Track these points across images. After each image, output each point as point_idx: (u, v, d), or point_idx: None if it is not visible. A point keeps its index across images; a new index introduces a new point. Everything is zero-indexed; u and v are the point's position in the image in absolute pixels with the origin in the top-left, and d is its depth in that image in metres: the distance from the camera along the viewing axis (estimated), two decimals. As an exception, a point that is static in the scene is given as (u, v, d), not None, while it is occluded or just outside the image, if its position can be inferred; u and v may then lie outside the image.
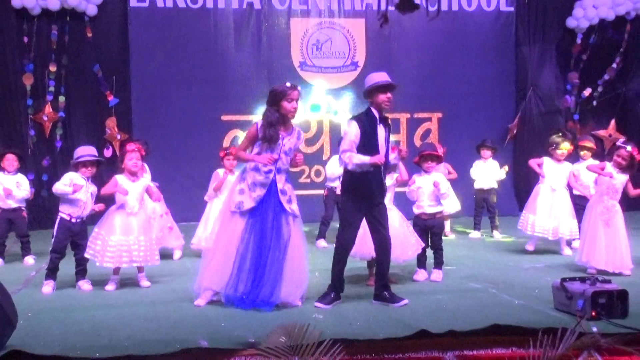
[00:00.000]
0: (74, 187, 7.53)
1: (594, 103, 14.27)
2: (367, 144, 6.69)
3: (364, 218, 6.94)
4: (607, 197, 8.13)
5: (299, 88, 7.04)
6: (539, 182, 9.59)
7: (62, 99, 12.47)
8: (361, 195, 6.82)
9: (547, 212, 9.33)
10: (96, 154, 7.94)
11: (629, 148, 8.21)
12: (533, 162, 9.79)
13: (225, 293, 6.78)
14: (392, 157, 7.15)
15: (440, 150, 9.94)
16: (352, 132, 6.75)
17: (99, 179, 8.13)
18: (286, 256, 6.78)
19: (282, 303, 6.68)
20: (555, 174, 9.47)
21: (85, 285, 7.68)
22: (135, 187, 7.73)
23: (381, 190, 6.91)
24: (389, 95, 6.77)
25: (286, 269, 6.74)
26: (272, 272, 6.71)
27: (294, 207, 6.95)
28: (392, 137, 12.39)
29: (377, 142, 6.74)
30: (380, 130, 6.80)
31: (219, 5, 12.83)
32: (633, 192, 8.18)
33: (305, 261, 7.05)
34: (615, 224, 8.08)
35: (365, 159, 6.60)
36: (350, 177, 6.85)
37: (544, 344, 5.05)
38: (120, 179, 7.68)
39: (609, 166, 8.21)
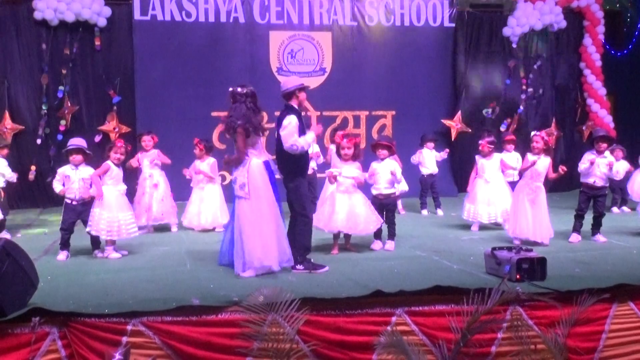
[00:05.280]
0: (62, 190, 7.59)
1: (537, 101, 14.41)
2: (302, 132, 6.79)
3: None
4: (532, 181, 8.18)
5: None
6: (477, 176, 9.44)
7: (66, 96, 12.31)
8: None
9: (485, 201, 9.20)
10: (83, 145, 7.77)
11: (537, 133, 8.37)
12: (472, 176, 9.55)
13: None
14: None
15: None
16: (294, 125, 6.75)
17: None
18: (233, 234, 6.69)
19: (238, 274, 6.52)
20: (487, 168, 9.36)
21: (99, 253, 7.63)
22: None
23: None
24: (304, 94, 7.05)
25: (235, 245, 6.64)
26: (231, 246, 6.72)
27: (240, 191, 6.56)
28: (355, 131, 12.68)
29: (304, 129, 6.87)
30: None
31: (209, 19, 12.67)
32: (552, 175, 8.23)
33: (245, 238, 6.48)
34: (539, 202, 8.12)
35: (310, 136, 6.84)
36: None
37: (476, 301, 5.12)
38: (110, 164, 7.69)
39: (529, 156, 8.28)
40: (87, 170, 7.67)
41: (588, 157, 8.36)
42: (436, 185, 11.28)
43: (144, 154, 9.49)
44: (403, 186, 10.19)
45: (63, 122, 12.24)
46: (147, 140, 9.51)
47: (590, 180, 8.32)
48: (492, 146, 9.44)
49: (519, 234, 8.07)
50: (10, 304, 4.93)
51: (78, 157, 7.66)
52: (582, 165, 8.37)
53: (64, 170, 7.69)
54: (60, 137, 12.09)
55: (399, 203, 10.94)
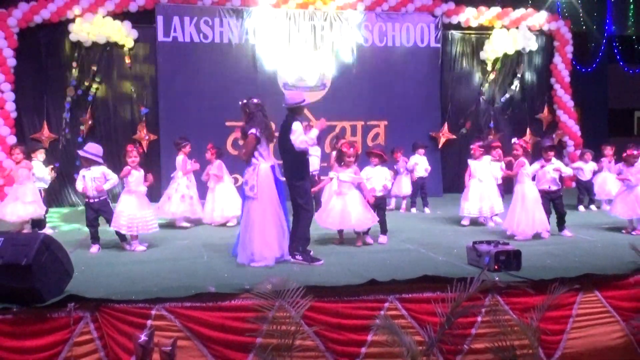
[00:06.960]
0: (83, 188, 7.56)
1: (506, 115, 14.40)
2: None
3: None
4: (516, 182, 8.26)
5: None
6: (471, 177, 9.40)
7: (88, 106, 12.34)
8: None
9: (477, 198, 9.18)
10: (90, 150, 7.67)
11: (517, 141, 8.47)
12: (466, 178, 9.54)
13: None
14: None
15: (400, 154, 10.73)
16: (301, 128, 6.83)
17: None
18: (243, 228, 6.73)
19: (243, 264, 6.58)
20: (478, 170, 9.34)
21: (127, 246, 7.63)
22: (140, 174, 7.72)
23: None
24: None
25: (243, 239, 6.67)
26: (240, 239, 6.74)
27: (250, 192, 6.62)
28: (352, 139, 12.68)
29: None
30: None
31: (224, 40, 12.69)
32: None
33: (252, 234, 6.56)
34: (524, 199, 8.07)
35: (313, 133, 6.89)
36: None
37: (459, 288, 5.12)
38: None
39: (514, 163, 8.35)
40: (98, 170, 7.62)
41: (535, 166, 8.33)
42: (426, 187, 11.27)
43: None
44: (406, 188, 10.25)
45: (82, 127, 12.22)
46: (187, 146, 9.63)
47: (545, 187, 8.32)
48: (482, 150, 9.48)
49: (515, 230, 8.08)
50: (48, 291, 4.97)
51: (87, 162, 7.69)
52: (531, 168, 8.34)
53: (81, 171, 7.72)
54: (80, 140, 12.03)
55: (403, 203, 11.07)
